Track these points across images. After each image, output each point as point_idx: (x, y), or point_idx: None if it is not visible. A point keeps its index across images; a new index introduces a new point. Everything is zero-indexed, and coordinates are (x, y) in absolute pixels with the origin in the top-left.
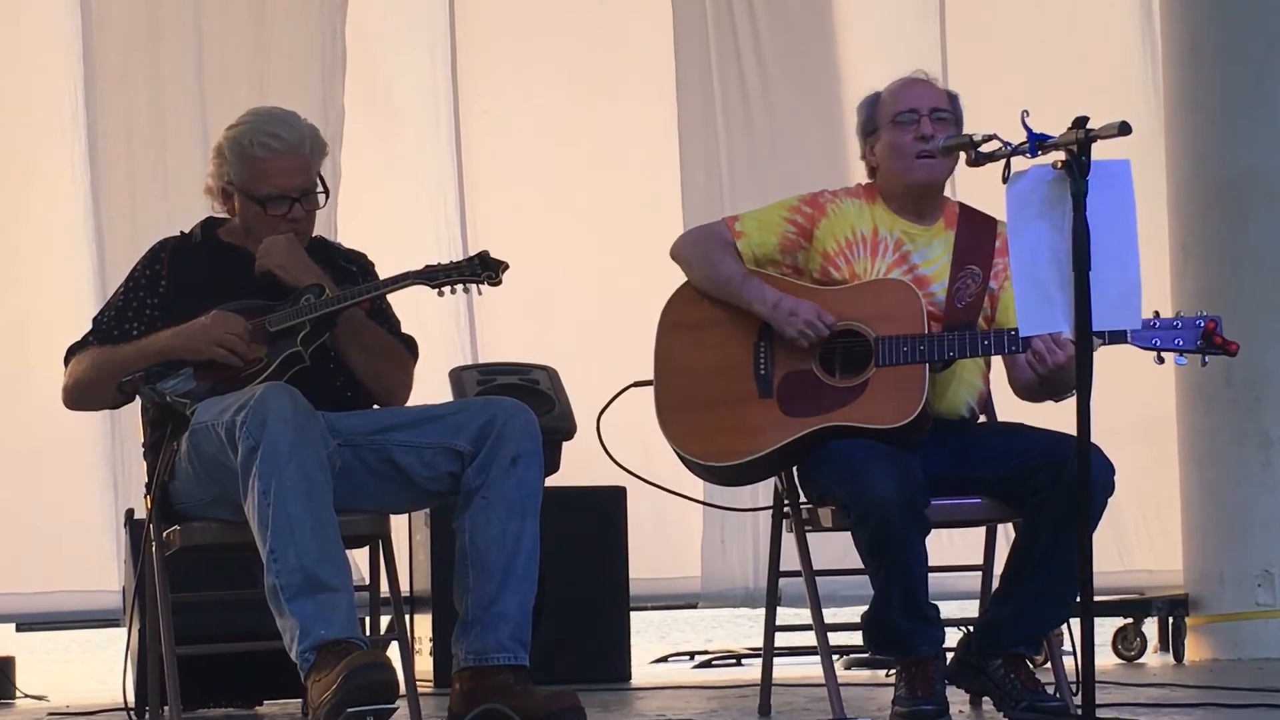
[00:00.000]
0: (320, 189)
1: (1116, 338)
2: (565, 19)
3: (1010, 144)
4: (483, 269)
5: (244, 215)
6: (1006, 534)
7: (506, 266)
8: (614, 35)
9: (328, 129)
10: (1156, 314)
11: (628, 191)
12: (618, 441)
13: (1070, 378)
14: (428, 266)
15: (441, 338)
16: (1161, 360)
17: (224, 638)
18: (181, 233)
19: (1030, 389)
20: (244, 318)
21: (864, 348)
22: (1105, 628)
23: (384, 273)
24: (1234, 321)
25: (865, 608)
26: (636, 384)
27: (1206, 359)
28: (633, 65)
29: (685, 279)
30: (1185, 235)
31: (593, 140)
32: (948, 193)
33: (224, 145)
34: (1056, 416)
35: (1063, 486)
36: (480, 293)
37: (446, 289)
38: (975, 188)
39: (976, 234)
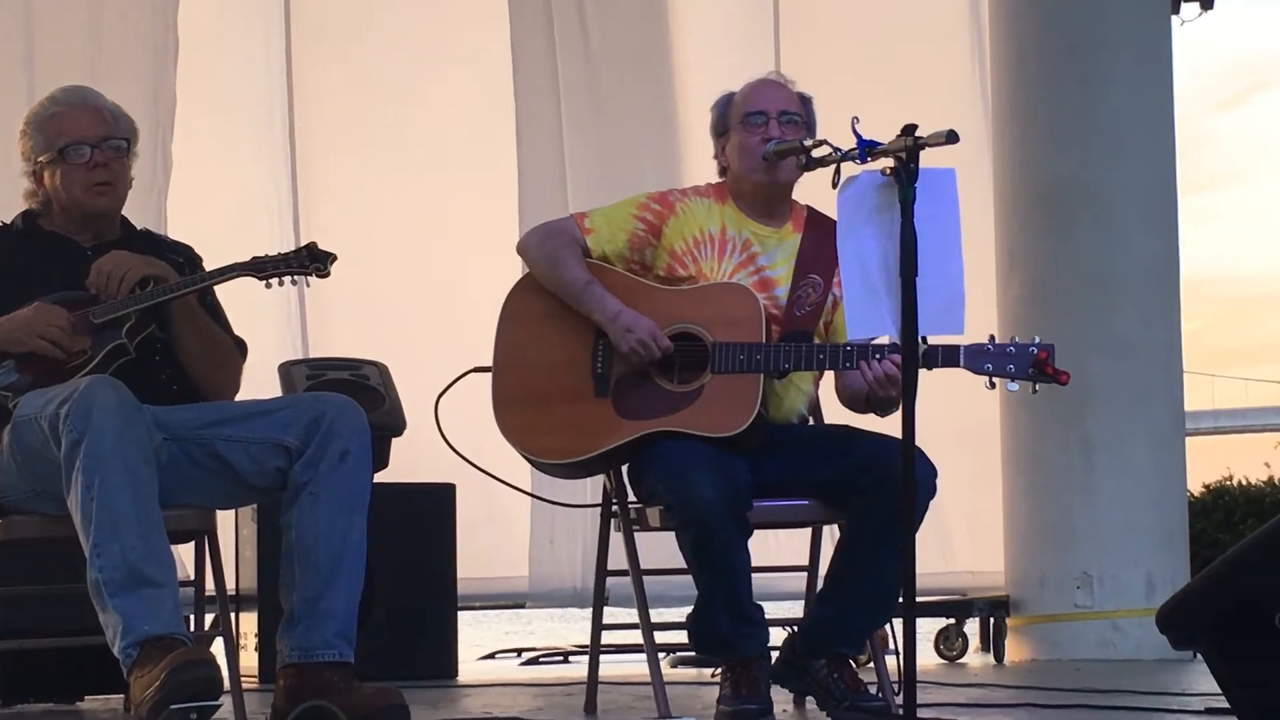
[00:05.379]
0: (128, 149)
1: (950, 360)
2: (401, 10)
3: (841, 149)
4: (311, 260)
5: (57, 187)
6: (832, 535)
7: (334, 258)
8: (451, 27)
9: (159, 117)
10: (992, 338)
11: (463, 185)
12: (450, 434)
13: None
14: (255, 258)
15: (272, 332)
16: (993, 385)
17: (45, 632)
18: (2, 224)
19: (857, 400)
20: (68, 309)
21: (702, 352)
22: (928, 628)
23: (212, 265)
24: (1057, 327)
25: (692, 608)
26: (477, 369)
27: (1037, 387)
28: (469, 59)
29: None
30: (1011, 241)
31: (428, 133)
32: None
33: (25, 128)
34: (882, 420)
35: (887, 489)
36: (309, 284)
37: (274, 280)
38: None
39: (821, 241)
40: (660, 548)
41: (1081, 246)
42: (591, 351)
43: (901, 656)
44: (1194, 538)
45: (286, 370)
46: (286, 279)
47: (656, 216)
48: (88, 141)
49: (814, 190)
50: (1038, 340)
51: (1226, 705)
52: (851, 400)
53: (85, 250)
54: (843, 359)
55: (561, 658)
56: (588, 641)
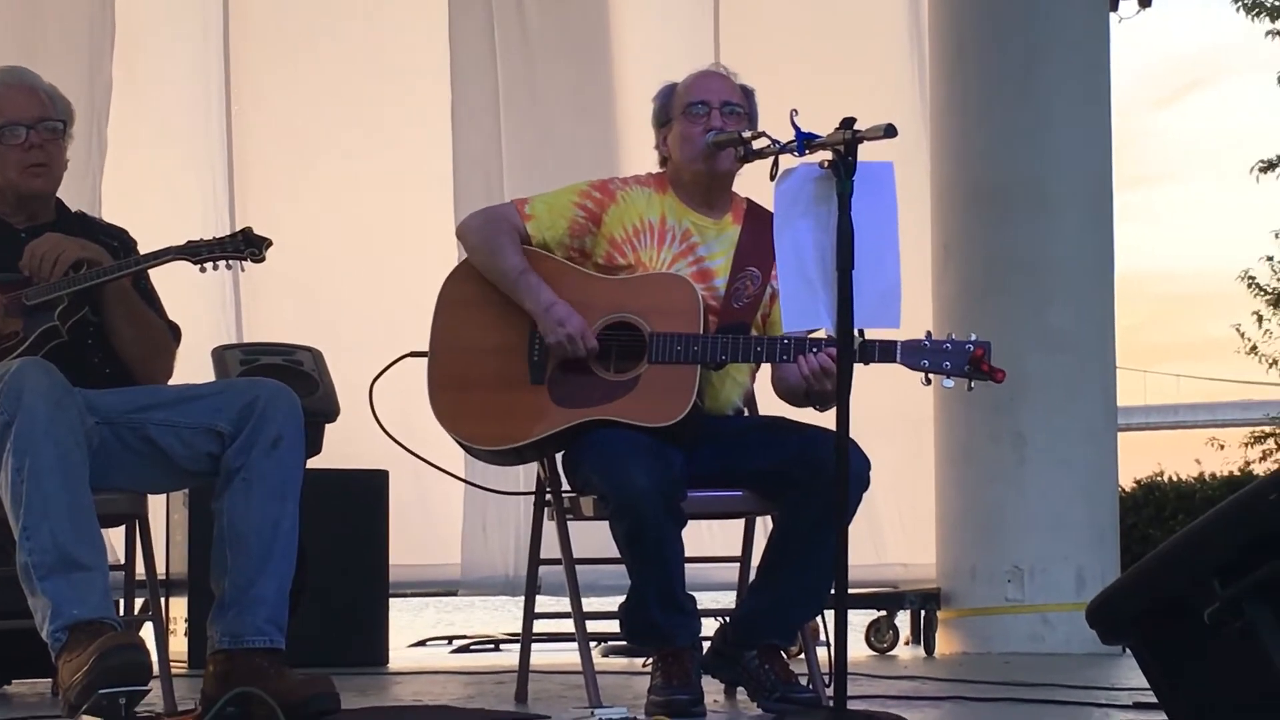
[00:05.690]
0: (64, 130)
1: (886, 355)
2: None
3: (779, 142)
4: (246, 245)
5: None
6: (765, 526)
7: (270, 243)
8: (389, 14)
9: (95, 99)
10: (929, 334)
11: (399, 171)
12: (385, 419)
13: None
14: (189, 242)
15: (205, 316)
16: (928, 381)
17: None
18: None
19: (794, 395)
20: (0, 291)
21: (639, 342)
22: (859, 620)
23: (147, 248)
24: (992, 321)
25: (624, 597)
26: (413, 354)
27: (973, 385)
28: (408, 45)
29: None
30: (947, 235)
31: (364, 118)
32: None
33: None
34: (818, 412)
35: (820, 481)
36: (244, 269)
37: (209, 264)
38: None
39: (760, 234)
40: (593, 537)
41: (1017, 241)
42: (528, 338)
43: (832, 648)
44: (1125, 533)
45: (220, 355)
46: (221, 263)
47: (597, 204)
48: (23, 122)
49: (754, 184)
50: (974, 337)
51: (1154, 700)
52: (789, 394)
53: (19, 232)
54: (780, 352)
55: (493, 646)
56: (519, 630)
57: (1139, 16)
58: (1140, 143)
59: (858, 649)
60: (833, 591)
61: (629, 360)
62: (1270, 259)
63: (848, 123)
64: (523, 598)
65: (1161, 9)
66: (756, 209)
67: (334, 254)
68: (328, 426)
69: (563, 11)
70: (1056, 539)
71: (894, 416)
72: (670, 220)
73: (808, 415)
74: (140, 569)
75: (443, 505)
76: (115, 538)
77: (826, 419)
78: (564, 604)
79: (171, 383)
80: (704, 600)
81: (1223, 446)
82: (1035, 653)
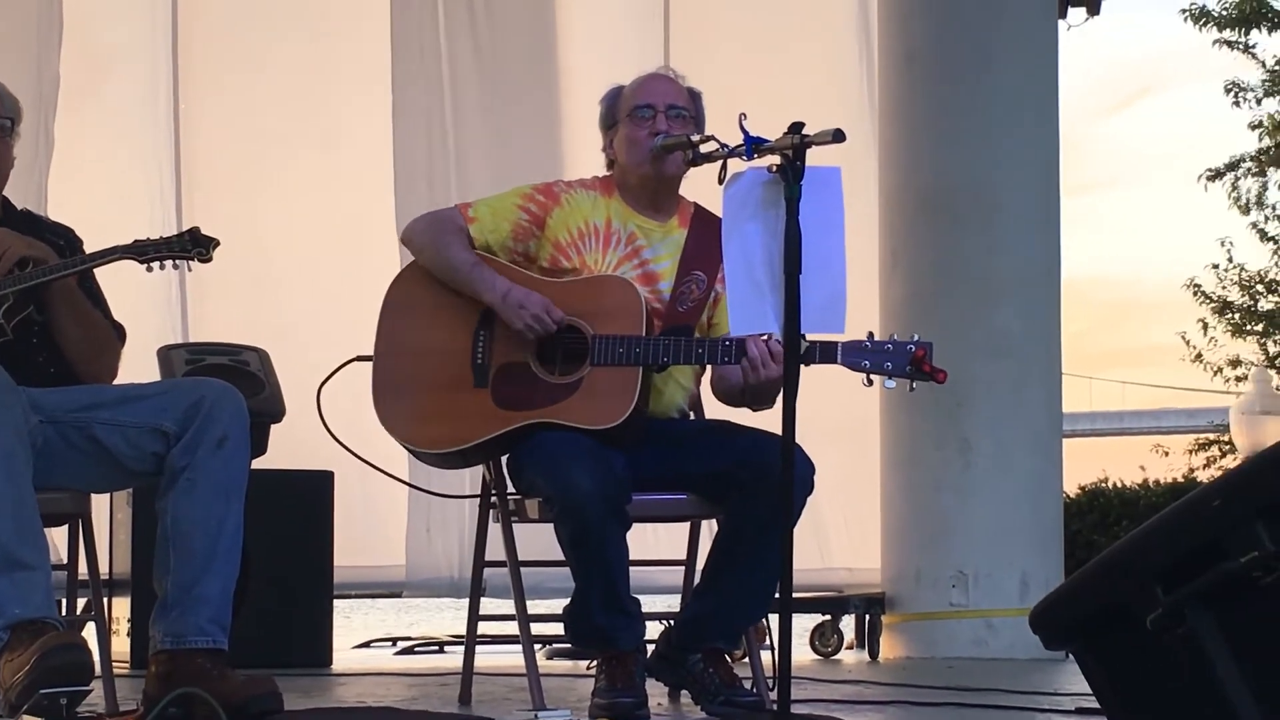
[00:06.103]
0: (11, 128)
1: (827, 356)
2: None
3: (727, 146)
4: (193, 245)
5: None
6: (710, 530)
7: (217, 243)
8: (336, 15)
9: (42, 94)
10: (871, 335)
11: (347, 174)
12: (331, 422)
13: (775, 391)
14: (136, 241)
15: (152, 315)
16: (870, 382)
17: None
18: None
19: (732, 394)
20: None
21: (582, 344)
22: (803, 624)
23: (93, 247)
24: (938, 327)
25: (569, 600)
26: (359, 358)
27: (914, 385)
28: (356, 47)
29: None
30: (894, 241)
31: (312, 120)
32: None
33: None
34: (763, 415)
35: (765, 484)
36: (190, 269)
37: (155, 264)
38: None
39: (706, 238)
40: (538, 539)
41: (964, 247)
42: (472, 341)
43: (777, 652)
44: (1069, 539)
45: (166, 354)
46: (168, 263)
47: (541, 207)
48: None
49: (702, 187)
50: (916, 338)
51: (1097, 705)
52: (728, 393)
53: None
54: (721, 353)
55: (437, 648)
56: (463, 632)
57: (1088, 24)
58: (1088, 149)
59: (802, 653)
60: (777, 595)
61: (572, 362)
62: (1216, 267)
63: (796, 127)
64: (467, 600)
65: (1110, 17)
66: (704, 213)
67: (281, 255)
68: (273, 427)
69: (510, 12)
70: (1001, 544)
71: (839, 421)
72: (616, 223)
73: (753, 419)
74: (83, 568)
75: (388, 507)
76: (58, 537)
77: (773, 422)
78: (508, 606)
79: (116, 382)
80: (649, 603)
81: (1167, 453)
82: (979, 658)
